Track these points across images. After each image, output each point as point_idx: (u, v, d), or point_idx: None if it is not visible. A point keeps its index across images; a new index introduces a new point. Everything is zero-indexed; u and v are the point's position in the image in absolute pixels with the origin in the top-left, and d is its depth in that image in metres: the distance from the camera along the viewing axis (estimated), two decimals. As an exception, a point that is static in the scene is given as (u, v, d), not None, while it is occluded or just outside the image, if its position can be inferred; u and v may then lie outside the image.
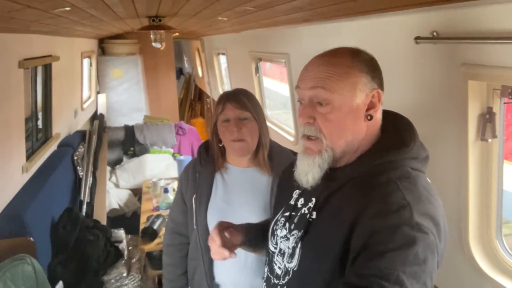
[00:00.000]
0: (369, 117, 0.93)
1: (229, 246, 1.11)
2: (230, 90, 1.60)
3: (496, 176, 1.33)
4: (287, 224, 1.04)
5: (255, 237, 1.22)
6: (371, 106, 0.94)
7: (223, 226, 1.15)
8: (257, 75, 3.92)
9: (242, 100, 1.49)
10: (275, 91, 4.76)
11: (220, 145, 1.55)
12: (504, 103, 1.27)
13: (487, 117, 1.29)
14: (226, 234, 1.12)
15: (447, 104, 1.40)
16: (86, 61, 5.29)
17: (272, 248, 1.09)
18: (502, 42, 1.10)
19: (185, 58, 10.16)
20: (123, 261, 2.89)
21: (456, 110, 1.34)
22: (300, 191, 1.05)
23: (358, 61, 0.93)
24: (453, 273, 1.44)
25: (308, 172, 0.96)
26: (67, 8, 1.81)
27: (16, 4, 1.45)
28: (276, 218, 1.11)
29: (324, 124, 0.92)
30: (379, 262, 0.79)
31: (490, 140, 1.30)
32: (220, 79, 6.11)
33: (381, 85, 0.96)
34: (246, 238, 1.19)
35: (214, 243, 1.10)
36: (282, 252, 1.04)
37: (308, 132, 0.95)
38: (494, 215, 1.35)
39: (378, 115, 0.96)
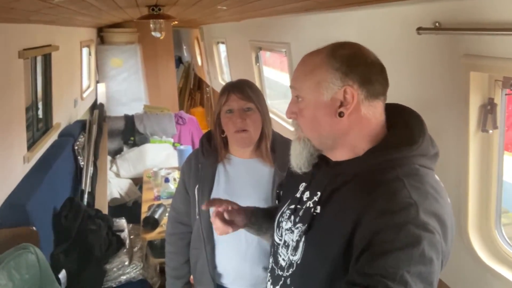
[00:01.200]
0: (341, 114, 0.92)
1: (228, 223, 1.20)
2: (233, 81, 1.60)
3: (496, 166, 1.34)
4: (292, 217, 1.04)
5: (260, 220, 1.25)
6: (344, 103, 0.92)
7: (224, 207, 1.21)
8: (257, 64, 3.91)
9: (246, 91, 1.49)
10: (276, 81, 4.75)
11: (223, 136, 1.56)
12: (506, 94, 1.27)
13: (488, 108, 1.29)
14: (226, 216, 1.20)
15: (448, 95, 1.40)
16: (85, 50, 5.26)
17: (277, 240, 1.10)
18: (504, 34, 1.10)
19: (184, 47, 10.08)
20: (125, 250, 2.91)
21: (457, 101, 1.35)
22: (306, 184, 1.05)
23: (330, 58, 0.93)
24: (452, 263, 1.45)
25: (292, 156, 1.03)
26: (67, -2, 1.80)
27: (17, -6, 1.44)
28: (282, 210, 1.11)
29: (300, 119, 0.98)
30: (384, 261, 0.78)
31: (491, 131, 1.31)
32: (219, 68, 6.09)
33: (363, 81, 0.91)
34: (250, 221, 1.24)
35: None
36: (286, 244, 1.04)
37: (293, 124, 1.03)
38: (493, 205, 1.36)
39: (364, 111, 0.93)
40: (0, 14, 1.92)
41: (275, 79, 4.70)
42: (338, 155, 0.98)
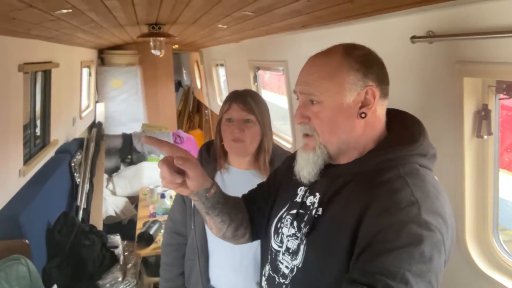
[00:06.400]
0: (362, 115, 0.92)
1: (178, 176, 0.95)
2: (239, 90, 1.57)
3: (492, 172, 1.33)
4: (295, 223, 1.01)
5: (217, 200, 1.05)
6: (365, 104, 0.92)
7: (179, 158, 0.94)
8: (255, 84, 3.96)
9: (249, 102, 1.48)
10: (275, 104, 4.78)
11: (222, 144, 1.55)
12: (499, 99, 1.28)
13: (482, 114, 1.30)
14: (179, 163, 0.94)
15: (443, 102, 1.41)
16: (85, 71, 5.32)
17: (275, 247, 1.06)
18: (495, 37, 1.12)
19: (184, 71, 10.23)
20: (119, 266, 2.87)
21: (452, 107, 1.35)
22: (306, 188, 1.03)
23: (348, 59, 0.92)
24: (448, 271, 1.43)
25: (304, 167, 0.98)
26: (68, 11, 1.83)
27: (18, 2, 1.46)
28: (280, 215, 1.08)
29: (316, 122, 0.94)
30: (385, 260, 0.78)
31: (485, 137, 1.31)
32: (218, 90, 6.15)
33: (379, 80, 0.94)
34: (205, 195, 1.01)
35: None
36: (290, 251, 1.01)
37: (304, 130, 0.97)
38: (490, 212, 1.35)
39: (378, 111, 0.95)
40: (1, 25, 1.95)
41: (275, 102, 4.73)
42: (347, 158, 0.96)
